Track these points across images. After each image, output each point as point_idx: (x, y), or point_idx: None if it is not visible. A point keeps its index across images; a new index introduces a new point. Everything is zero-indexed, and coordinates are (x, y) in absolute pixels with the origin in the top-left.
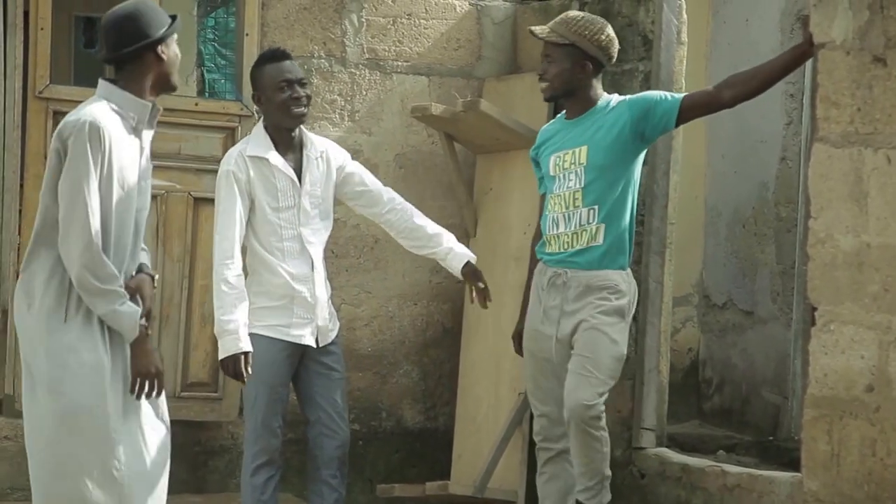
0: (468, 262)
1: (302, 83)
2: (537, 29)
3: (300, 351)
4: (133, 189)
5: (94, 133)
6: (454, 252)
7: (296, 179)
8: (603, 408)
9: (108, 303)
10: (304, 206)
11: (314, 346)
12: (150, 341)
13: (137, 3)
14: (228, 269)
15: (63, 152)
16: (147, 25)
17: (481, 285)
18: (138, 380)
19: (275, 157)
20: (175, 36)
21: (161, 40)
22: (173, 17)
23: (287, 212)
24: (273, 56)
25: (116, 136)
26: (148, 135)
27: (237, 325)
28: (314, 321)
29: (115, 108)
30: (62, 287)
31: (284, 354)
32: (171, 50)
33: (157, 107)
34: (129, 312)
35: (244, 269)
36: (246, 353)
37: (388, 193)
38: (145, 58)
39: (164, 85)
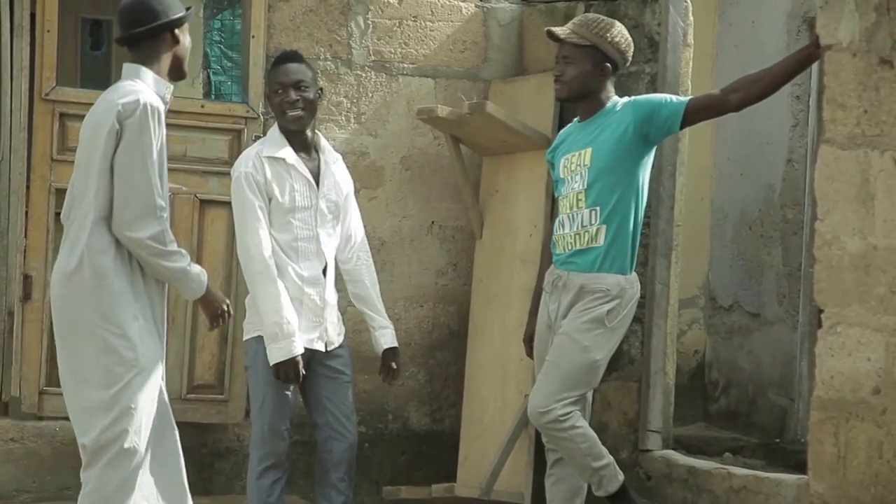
0: (393, 348)
1: (300, 86)
2: (557, 30)
3: (308, 355)
4: (166, 170)
5: (154, 113)
6: (388, 332)
7: (313, 181)
8: (564, 411)
9: (178, 261)
10: (321, 208)
11: (323, 350)
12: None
13: None
14: (269, 269)
15: (121, 132)
16: (166, 7)
17: (394, 366)
18: (213, 319)
19: (291, 157)
20: (187, 26)
21: (179, 22)
22: (187, 9)
23: (304, 212)
24: (279, 59)
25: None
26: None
27: (292, 329)
28: (323, 325)
29: (153, 89)
30: (129, 264)
31: None
32: (186, 37)
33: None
34: (198, 271)
35: None
36: (301, 355)
37: (363, 245)
38: (163, 38)
39: (177, 71)
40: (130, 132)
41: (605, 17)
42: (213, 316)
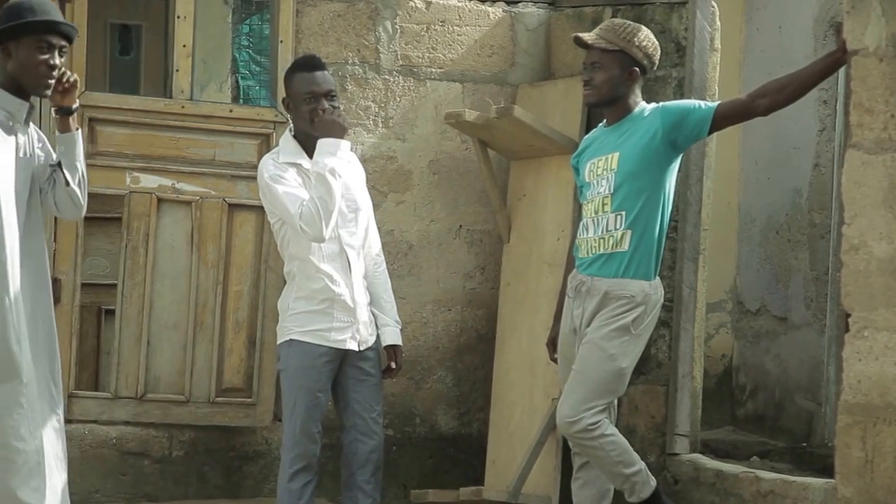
0: (395, 346)
1: (330, 96)
2: (586, 36)
3: (340, 356)
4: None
5: None
6: (391, 329)
7: None
8: (593, 420)
9: None
10: (341, 209)
11: (356, 349)
12: None
13: None
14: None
15: None
16: (5, 17)
17: (393, 366)
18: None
19: (307, 162)
20: (31, 40)
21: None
22: (47, 22)
23: None
24: (305, 65)
25: None
26: (26, 135)
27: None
28: (355, 325)
29: None
30: None
31: (324, 360)
32: (21, 51)
33: (32, 105)
34: None
35: (289, 281)
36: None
37: (378, 247)
38: (2, 51)
39: (27, 89)
40: None
41: (631, 22)
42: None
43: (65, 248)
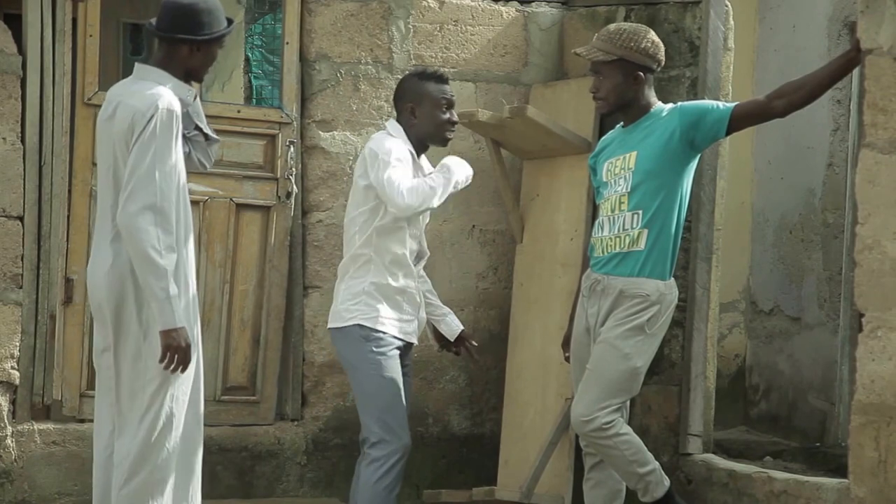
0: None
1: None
2: (581, 50)
3: (404, 348)
4: (184, 180)
5: (171, 118)
6: (453, 315)
7: None
8: (608, 419)
9: (160, 279)
10: None
11: (415, 342)
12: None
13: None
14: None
15: (137, 136)
16: (197, 24)
17: (476, 343)
18: (167, 349)
19: (423, 160)
20: (222, 40)
21: (200, 42)
22: (230, 21)
23: None
24: (438, 77)
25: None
26: None
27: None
28: (416, 318)
29: (175, 94)
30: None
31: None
32: (210, 53)
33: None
34: (179, 306)
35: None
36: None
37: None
38: (181, 49)
39: (192, 77)
40: (146, 134)
41: (628, 25)
42: (168, 346)
43: (78, 248)
